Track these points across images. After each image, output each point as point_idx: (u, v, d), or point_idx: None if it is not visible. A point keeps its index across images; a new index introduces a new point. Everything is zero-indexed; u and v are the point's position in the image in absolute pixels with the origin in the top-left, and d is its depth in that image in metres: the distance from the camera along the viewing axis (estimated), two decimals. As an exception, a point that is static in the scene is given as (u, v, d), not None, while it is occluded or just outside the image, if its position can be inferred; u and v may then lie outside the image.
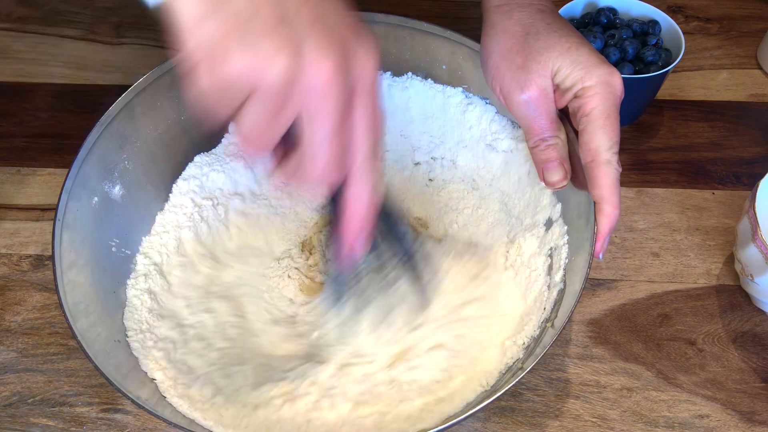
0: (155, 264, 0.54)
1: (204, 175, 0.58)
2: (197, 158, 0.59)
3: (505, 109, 0.51)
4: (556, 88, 0.47)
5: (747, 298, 0.58)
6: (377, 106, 0.36)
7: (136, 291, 0.52)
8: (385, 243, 0.49)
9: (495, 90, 0.49)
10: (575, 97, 0.46)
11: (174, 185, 0.58)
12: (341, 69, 0.33)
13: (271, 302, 0.56)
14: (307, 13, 0.32)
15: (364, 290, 0.50)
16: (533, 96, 0.47)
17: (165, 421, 0.42)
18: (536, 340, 0.47)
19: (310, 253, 0.59)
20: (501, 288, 0.53)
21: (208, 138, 0.60)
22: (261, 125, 0.33)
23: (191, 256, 0.56)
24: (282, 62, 0.31)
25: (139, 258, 0.54)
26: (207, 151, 0.59)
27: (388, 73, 0.60)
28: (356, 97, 0.35)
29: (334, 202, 0.41)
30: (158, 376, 0.48)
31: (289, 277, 0.57)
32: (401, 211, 0.51)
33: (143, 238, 0.55)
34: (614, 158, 0.45)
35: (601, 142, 0.44)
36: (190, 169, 0.58)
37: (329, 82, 0.32)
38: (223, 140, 0.60)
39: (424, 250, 0.52)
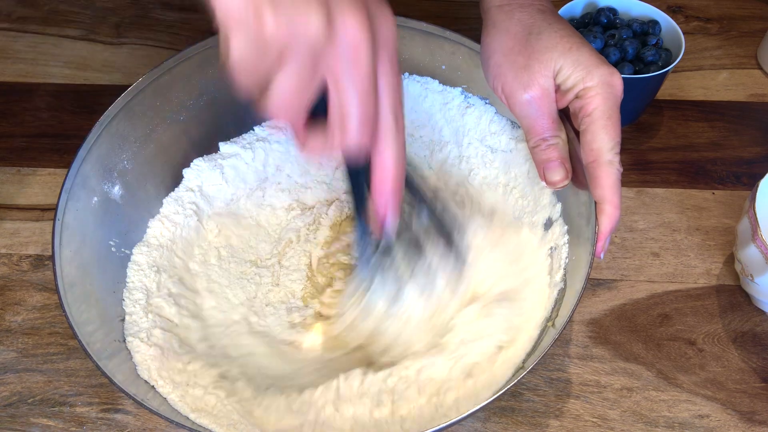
0: (155, 264, 0.54)
1: (203, 177, 0.58)
2: (196, 161, 0.58)
3: (505, 109, 0.51)
4: (557, 89, 0.47)
5: (747, 298, 0.58)
6: (397, 66, 0.36)
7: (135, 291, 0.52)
8: (409, 214, 0.46)
9: (496, 90, 0.49)
10: (576, 97, 0.46)
11: (173, 185, 0.58)
12: (369, 28, 0.33)
13: (273, 306, 0.56)
14: None
15: (398, 269, 0.47)
16: (535, 96, 0.47)
17: (165, 419, 0.42)
18: (537, 340, 0.47)
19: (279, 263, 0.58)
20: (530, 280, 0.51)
21: (207, 139, 0.59)
22: (295, 89, 0.33)
23: (190, 257, 0.56)
24: (315, 21, 0.31)
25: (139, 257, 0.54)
26: (206, 155, 0.59)
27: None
28: (379, 57, 0.35)
29: (354, 177, 0.40)
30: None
31: (277, 285, 0.57)
32: (420, 177, 0.48)
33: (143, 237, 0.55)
34: (616, 159, 0.45)
35: (604, 142, 0.44)
36: (189, 172, 0.58)
37: (361, 40, 0.33)
38: (221, 144, 0.60)
39: (449, 212, 0.50)
